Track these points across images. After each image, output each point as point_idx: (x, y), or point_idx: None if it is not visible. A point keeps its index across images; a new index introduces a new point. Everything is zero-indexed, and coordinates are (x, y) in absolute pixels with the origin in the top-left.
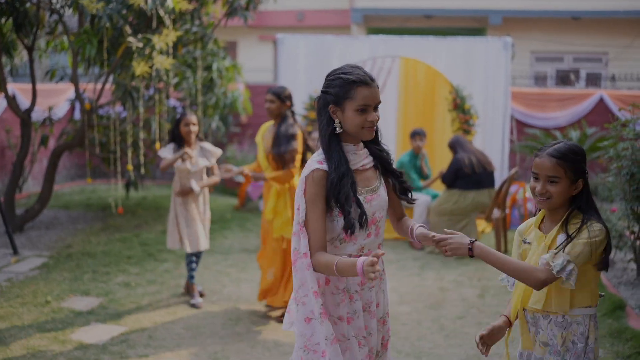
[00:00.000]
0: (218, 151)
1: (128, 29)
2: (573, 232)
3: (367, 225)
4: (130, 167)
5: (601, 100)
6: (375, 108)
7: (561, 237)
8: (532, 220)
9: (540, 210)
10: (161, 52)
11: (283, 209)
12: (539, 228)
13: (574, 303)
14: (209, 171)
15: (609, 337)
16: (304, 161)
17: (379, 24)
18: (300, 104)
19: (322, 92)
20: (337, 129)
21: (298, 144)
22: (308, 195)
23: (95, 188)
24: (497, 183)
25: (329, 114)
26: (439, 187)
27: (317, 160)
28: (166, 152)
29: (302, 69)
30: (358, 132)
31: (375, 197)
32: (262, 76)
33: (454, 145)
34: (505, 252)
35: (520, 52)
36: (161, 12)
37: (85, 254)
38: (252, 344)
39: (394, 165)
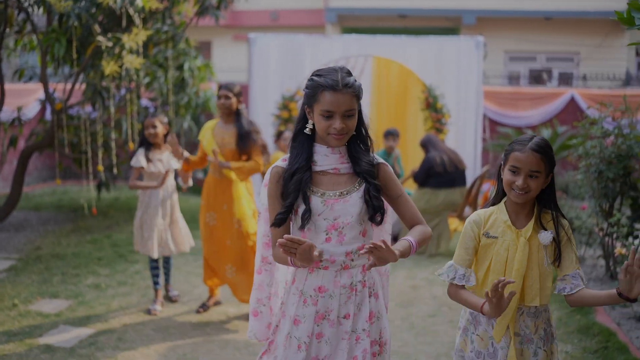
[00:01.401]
0: (186, 153)
1: (97, 28)
2: (554, 231)
3: (315, 225)
4: (100, 167)
5: (572, 99)
6: (347, 116)
7: (545, 235)
8: (486, 211)
9: (492, 203)
10: (131, 52)
11: (248, 204)
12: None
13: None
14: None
15: (577, 332)
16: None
17: (354, 24)
18: (273, 103)
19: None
20: (307, 129)
21: (261, 137)
22: (268, 191)
23: (66, 189)
24: (469, 181)
25: (304, 112)
26: (411, 186)
27: (282, 158)
28: (136, 160)
29: (274, 68)
30: (325, 138)
31: (341, 201)
32: (237, 76)
33: (425, 144)
34: None
35: (494, 51)
36: (131, 11)
37: (55, 256)
38: (222, 344)
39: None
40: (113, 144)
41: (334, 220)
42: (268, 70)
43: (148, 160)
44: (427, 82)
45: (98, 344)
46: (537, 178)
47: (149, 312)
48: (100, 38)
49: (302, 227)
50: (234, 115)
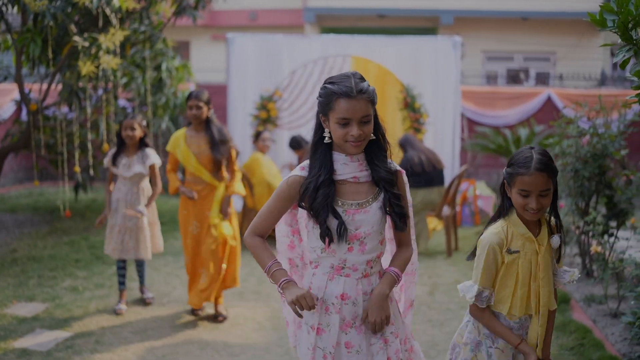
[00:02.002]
0: (155, 161)
1: (73, 28)
2: (562, 234)
3: (347, 238)
4: (77, 169)
5: (549, 99)
6: (363, 122)
7: (555, 238)
8: (502, 228)
9: (497, 217)
10: (108, 52)
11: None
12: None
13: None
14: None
15: (555, 330)
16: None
17: (332, 24)
18: (251, 103)
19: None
20: (326, 138)
21: (229, 149)
22: (277, 190)
23: (43, 191)
24: (448, 181)
25: (319, 121)
26: None
27: (301, 167)
28: (106, 160)
29: (252, 68)
30: (342, 145)
31: (362, 212)
32: (216, 76)
33: (403, 144)
34: (456, 249)
35: (472, 51)
36: (107, 11)
37: (31, 258)
38: (201, 346)
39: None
40: (90, 145)
41: (356, 231)
42: (246, 71)
43: (114, 163)
44: (405, 82)
45: (75, 347)
46: (547, 195)
47: (114, 312)
48: (76, 38)
49: (331, 240)
50: (204, 123)
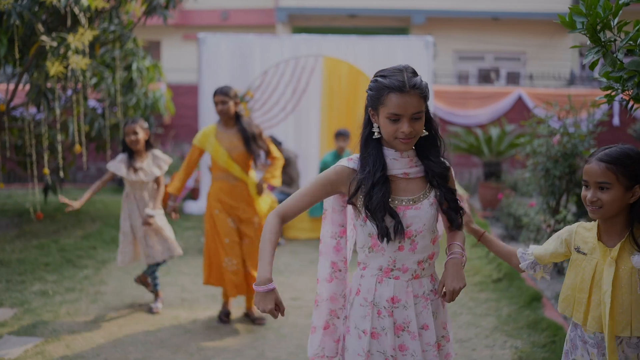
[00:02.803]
0: (169, 159)
1: (41, 27)
2: None
3: (402, 237)
4: (47, 171)
5: (520, 98)
6: (415, 118)
7: (637, 258)
8: (586, 225)
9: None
10: (77, 52)
11: (265, 201)
12: (600, 239)
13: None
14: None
15: (527, 328)
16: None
17: (304, 23)
18: None
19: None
20: (375, 133)
21: (264, 143)
22: (320, 175)
23: (10, 193)
24: None
25: (368, 116)
26: None
27: (348, 158)
28: (116, 167)
29: (224, 68)
30: (391, 142)
31: (412, 208)
32: (187, 76)
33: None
34: None
35: (444, 51)
36: (76, 10)
37: None
38: (174, 349)
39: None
40: (59, 147)
41: (407, 228)
42: (218, 70)
43: (132, 168)
44: None
45: (45, 353)
46: (608, 190)
47: (150, 310)
48: (44, 38)
49: (389, 239)
50: (234, 119)
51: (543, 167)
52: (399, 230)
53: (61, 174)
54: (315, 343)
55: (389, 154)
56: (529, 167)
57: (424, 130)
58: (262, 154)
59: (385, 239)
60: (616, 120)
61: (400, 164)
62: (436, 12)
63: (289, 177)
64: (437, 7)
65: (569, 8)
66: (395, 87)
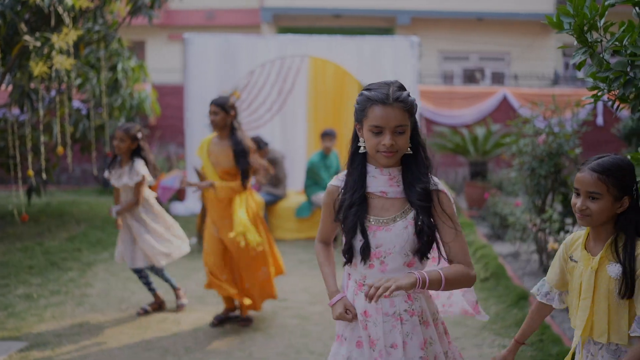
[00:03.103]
0: (143, 173)
1: (24, 27)
2: (626, 262)
3: (369, 258)
4: (30, 172)
5: (505, 98)
6: (398, 132)
7: (614, 267)
8: (579, 233)
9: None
10: (61, 52)
11: (252, 222)
12: (585, 247)
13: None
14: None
15: (515, 326)
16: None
17: (289, 23)
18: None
19: None
20: (361, 148)
21: (254, 160)
22: (322, 206)
23: None
24: None
25: (355, 130)
26: None
27: (337, 176)
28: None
29: (210, 68)
30: (374, 155)
31: (384, 230)
32: (172, 76)
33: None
34: None
35: (429, 51)
36: (60, 10)
37: None
38: (161, 352)
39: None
40: (43, 148)
41: (376, 248)
42: (204, 71)
43: (109, 171)
44: (363, 82)
45: (30, 357)
46: (597, 200)
47: (177, 307)
48: (27, 38)
49: (350, 259)
50: (228, 131)
51: (529, 167)
52: (365, 252)
53: (44, 175)
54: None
55: (371, 170)
56: (514, 166)
57: (409, 149)
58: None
59: (348, 257)
60: (600, 120)
61: (379, 182)
62: (421, 12)
63: (276, 177)
64: (422, 7)
65: (557, 9)
66: (378, 99)
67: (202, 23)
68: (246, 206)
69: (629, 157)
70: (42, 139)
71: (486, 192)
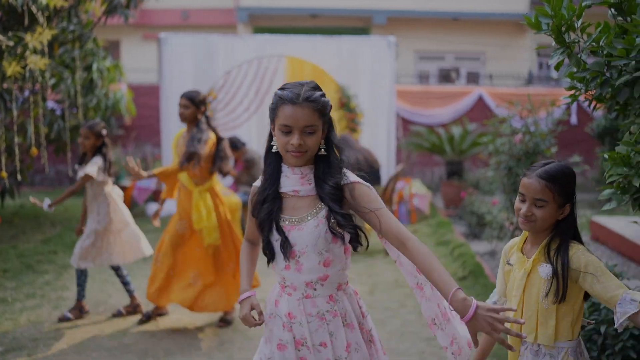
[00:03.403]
0: (84, 171)
1: None
2: (558, 263)
3: (290, 254)
4: (4, 174)
5: (480, 98)
6: (307, 132)
7: (545, 268)
8: (516, 239)
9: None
10: (35, 52)
11: (208, 216)
12: (522, 250)
13: (557, 335)
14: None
15: None
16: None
17: (265, 23)
18: None
19: None
20: (274, 147)
21: (202, 148)
22: (249, 202)
23: None
24: (384, 180)
25: (270, 129)
26: None
27: (261, 177)
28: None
29: (187, 68)
30: (284, 155)
31: (296, 229)
32: (147, 76)
33: (341, 145)
34: None
35: (404, 51)
36: (33, 9)
37: None
38: (141, 354)
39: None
40: (17, 149)
41: (291, 248)
42: (180, 71)
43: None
44: (340, 82)
45: None
46: (543, 207)
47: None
48: (0, 37)
49: (272, 257)
50: (193, 124)
51: (506, 166)
52: (286, 248)
53: (19, 177)
54: None
55: (284, 169)
56: (491, 165)
57: (322, 150)
58: (231, 160)
59: (269, 255)
60: (574, 119)
61: (291, 181)
62: (397, 12)
63: (253, 177)
64: (398, 7)
65: (535, 8)
66: (288, 99)
67: (177, 23)
68: (214, 208)
69: (606, 156)
70: (16, 139)
71: (463, 191)
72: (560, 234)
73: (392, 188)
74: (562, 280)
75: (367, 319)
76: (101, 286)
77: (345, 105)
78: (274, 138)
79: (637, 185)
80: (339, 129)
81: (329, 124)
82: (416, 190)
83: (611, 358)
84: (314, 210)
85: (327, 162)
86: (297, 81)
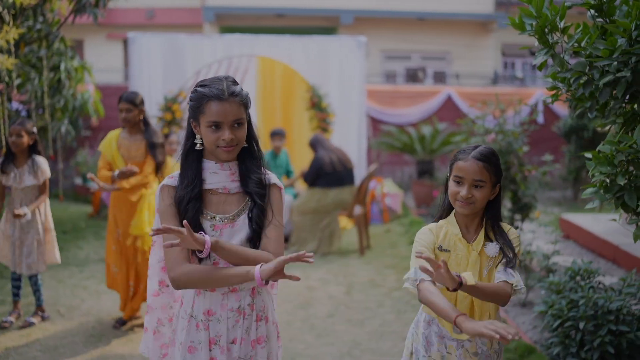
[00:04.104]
0: (46, 173)
1: None
2: (501, 240)
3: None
4: None
5: (449, 97)
6: (236, 126)
7: (491, 246)
8: (437, 225)
9: (439, 217)
10: (1, 51)
11: (145, 224)
12: (464, 236)
13: (494, 312)
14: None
15: None
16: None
17: (232, 23)
18: (155, 105)
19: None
20: (198, 145)
21: (162, 153)
22: (159, 209)
23: None
24: (357, 180)
25: (191, 128)
26: (302, 186)
27: (170, 175)
28: None
29: (155, 69)
30: (213, 151)
31: (229, 226)
32: (112, 76)
33: (314, 144)
34: (368, 247)
35: (371, 50)
36: None
37: None
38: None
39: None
40: None
41: None
42: (149, 71)
43: (3, 172)
44: (310, 81)
45: None
46: (481, 188)
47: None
48: None
49: (200, 258)
50: (140, 126)
51: None
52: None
53: None
54: (145, 342)
55: (210, 166)
56: None
57: (245, 142)
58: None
59: (198, 255)
60: (540, 118)
61: (220, 177)
62: (364, 12)
63: None
64: (365, 7)
65: (519, 8)
66: (214, 95)
67: (142, 22)
68: (146, 210)
69: (589, 155)
70: None
71: (434, 190)
72: (491, 214)
73: (365, 188)
74: (511, 250)
75: (275, 312)
76: (72, 291)
77: (317, 105)
78: (197, 135)
79: (622, 183)
80: (311, 129)
81: (249, 117)
82: (388, 190)
83: (590, 354)
84: (243, 206)
85: (250, 155)
86: (214, 76)
